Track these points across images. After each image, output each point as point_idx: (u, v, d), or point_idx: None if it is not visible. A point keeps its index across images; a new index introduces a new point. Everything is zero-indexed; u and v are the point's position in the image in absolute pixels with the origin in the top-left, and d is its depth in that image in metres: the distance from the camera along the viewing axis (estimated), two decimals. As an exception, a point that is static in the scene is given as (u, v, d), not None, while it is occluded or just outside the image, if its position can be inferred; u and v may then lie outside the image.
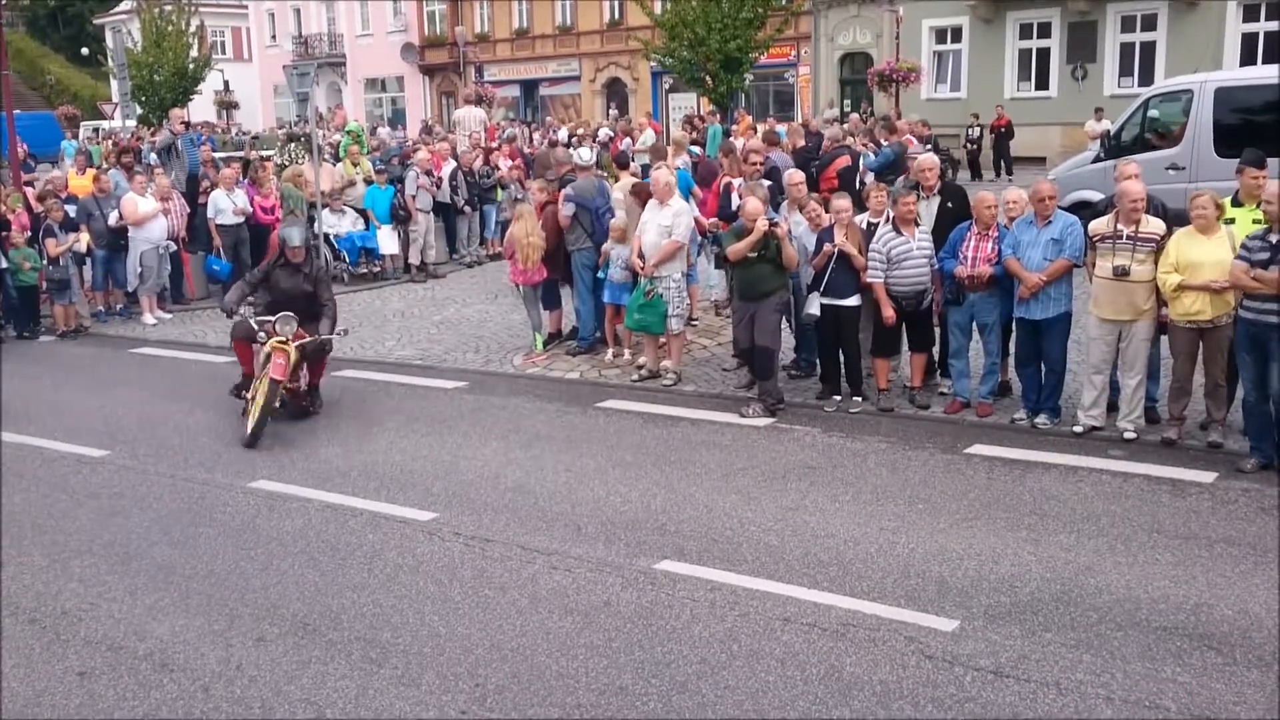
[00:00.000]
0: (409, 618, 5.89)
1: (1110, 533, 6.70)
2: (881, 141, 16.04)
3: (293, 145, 20.23)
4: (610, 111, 33.76)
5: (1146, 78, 26.28)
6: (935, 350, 9.71)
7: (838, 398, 9.50)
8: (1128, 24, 27.93)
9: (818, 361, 9.99)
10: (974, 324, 8.98)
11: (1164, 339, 8.35)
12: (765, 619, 5.73)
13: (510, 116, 35.11)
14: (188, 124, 23.21)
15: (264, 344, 9.26)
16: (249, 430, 9.05)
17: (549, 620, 5.80)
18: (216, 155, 18.79)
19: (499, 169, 18.41)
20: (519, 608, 5.95)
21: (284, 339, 9.11)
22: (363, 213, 16.77)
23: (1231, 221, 8.12)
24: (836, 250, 9.05)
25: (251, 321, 9.33)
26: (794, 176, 10.44)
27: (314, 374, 9.88)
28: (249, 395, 9.40)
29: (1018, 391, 9.08)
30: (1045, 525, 6.86)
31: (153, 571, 6.62)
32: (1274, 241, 7.34)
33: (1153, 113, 15.23)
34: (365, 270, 16.75)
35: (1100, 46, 28.25)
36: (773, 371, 9.38)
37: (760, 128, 19.53)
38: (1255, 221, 8.07)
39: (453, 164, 17.60)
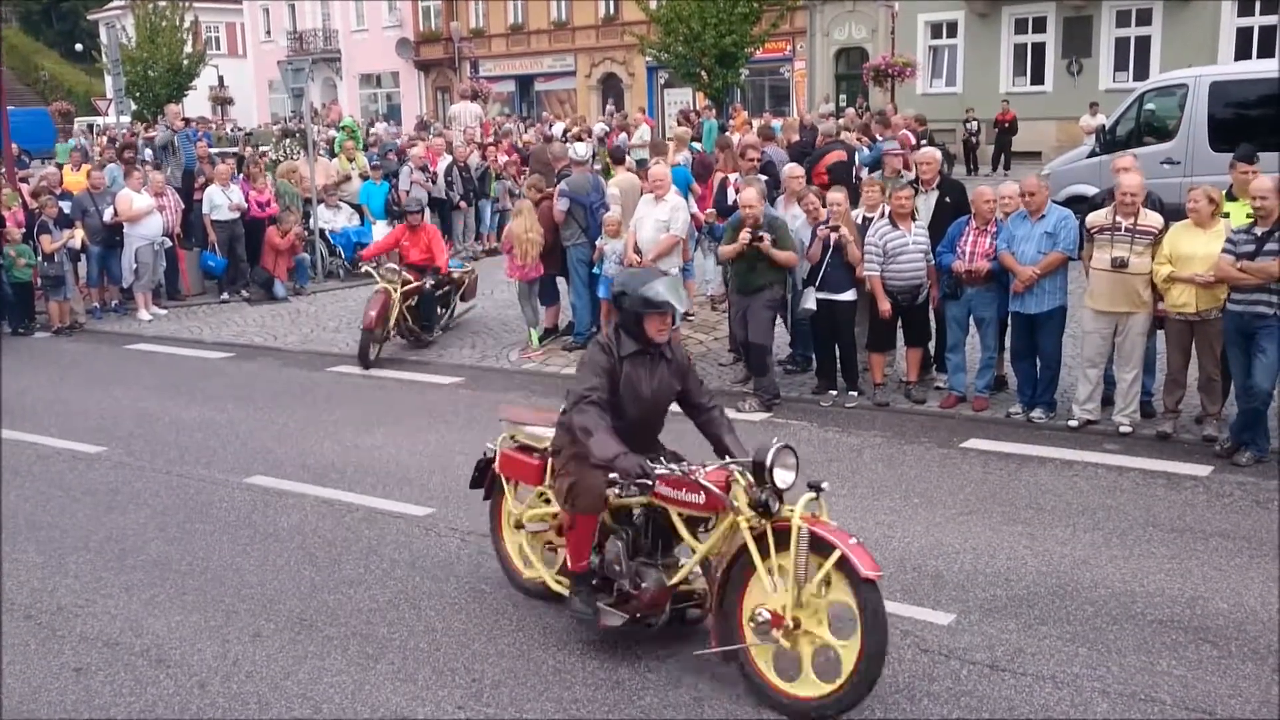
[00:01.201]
0: (405, 613, 5.89)
1: (1106, 526, 6.72)
2: (877, 137, 16.03)
3: (287, 141, 20.20)
4: (607, 107, 33.76)
5: (1142, 72, 26.35)
6: (932, 345, 9.72)
7: (833, 392, 9.51)
8: (1123, 18, 27.97)
9: (813, 356, 9.99)
10: (971, 318, 8.99)
11: (1160, 332, 8.36)
12: (762, 613, 5.72)
13: (505, 112, 35.04)
14: (188, 120, 23.19)
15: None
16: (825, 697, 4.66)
17: (545, 615, 5.79)
18: (212, 151, 18.75)
19: (496, 162, 18.42)
20: (515, 602, 5.95)
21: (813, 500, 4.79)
22: (358, 208, 16.75)
23: (1227, 216, 8.14)
24: (833, 244, 9.04)
25: (700, 473, 4.98)
26: (793, 170, 10.44)
27: None
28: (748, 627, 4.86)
29: (1013, 386, 9.09)
30: (1041, 519, 6.87)
31: (149, 567, 6.61)
32: (1259, 234, 7.36)
33: (1148, 107, 15.24)
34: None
35: (1095, 41, 28.29)
36: (768, 367, 9.37)
37: (755, 123, 19.53)
38: (1249, 216, 8.09)
39: (448, 159, 17.59)
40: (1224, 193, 8.43)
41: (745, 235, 8.95)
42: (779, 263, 9.03)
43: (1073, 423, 8.43)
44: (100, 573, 6.55)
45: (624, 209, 11.03)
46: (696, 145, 17.32)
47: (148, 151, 18.12)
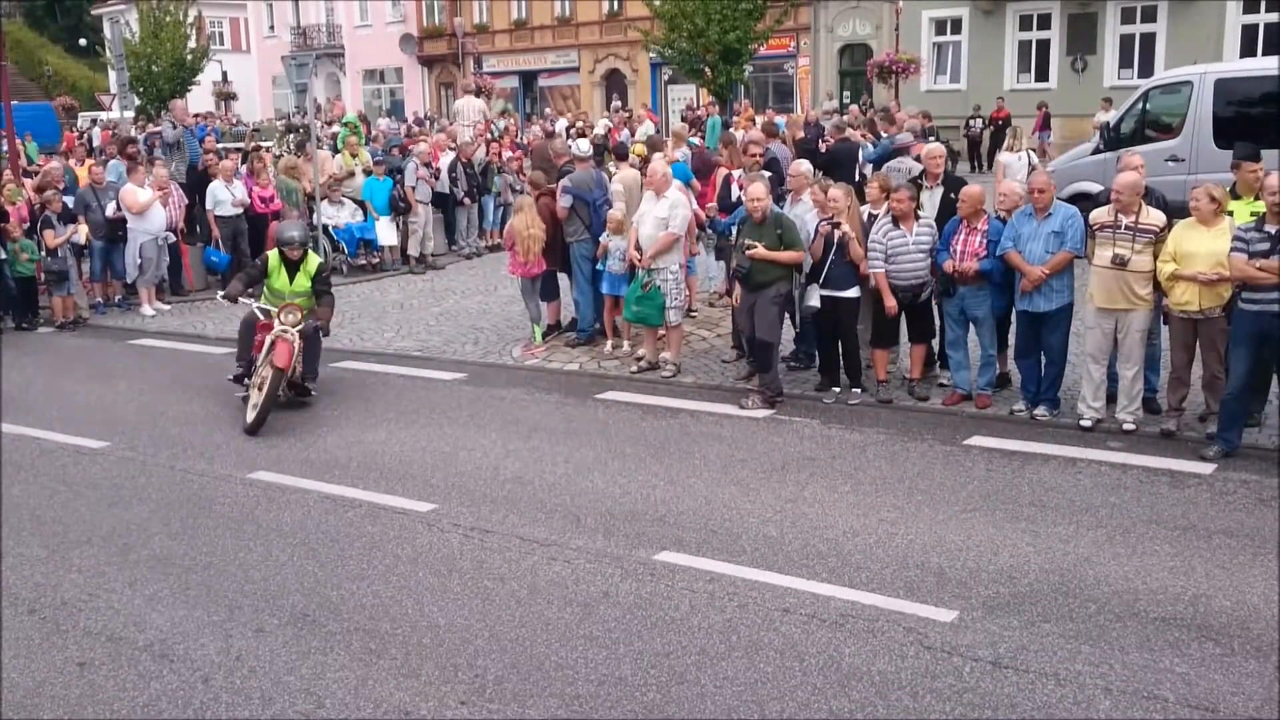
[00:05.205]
0: (408, 609, 5.89)
1: (1109, 524, 6.71)
2: (882, 133, 16.03)
3: (291, 136, 20.20)
4: (612, 103, 33.72)
5: (1146, 69, 26.29)
6: (935, 342, 9.71)
7: (837, 389, 9.50)
8: (1128, 15, 27.93)
9: (816, 353, 9.98)
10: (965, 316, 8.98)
11: (1166, 329, 8.36)
12: (764, 610, 5.74)
13: (506, 108, 35.00)
14: (197, 116, 23.19)
15: None
16: None
17: (548, 611, 5.80)
18: (219, 146, 18.76)
19: (499, 157, 18.42)
20: (518, 599, 5.96)
21: None
22: (361, 204, 16.76)
23: (1230, 214, 8.13)
24: (837, 240, 9.03)
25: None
26: (797, 167, 10.43)
27: None
28: None
29: (1017, 383, 9.08)
30: (1044, 516, 6.86)
31: (152, 562, 6.63)
32: (1273, 232, 7.33)
33: (1152, 104, 15.21)
34: (364, 262, 16.76)
35: (1100, 38, 28.25)
36: (772, 364, 9.36)
37: (759, 119, 19.50)
38: (1254, 214, 8.08)
39: (451, 155, 17.58)
40: (1228, 190, 8.42)
41: (742, 260, 9.03)
42: (784, 263, 9.02)
43: (1084, 422, 8.36)
44: (103, 567, 6.56)
45: (627, 205, 11.02)
46: (695, 140, 17.30)
47: (155, 150, 18.12)
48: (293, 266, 9.77)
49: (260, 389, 9.17)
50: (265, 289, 9.90)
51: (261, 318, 9.55)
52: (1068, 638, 5.36)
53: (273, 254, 9.89)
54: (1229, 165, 9.02)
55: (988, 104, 27.58)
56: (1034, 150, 16.63)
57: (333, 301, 10.06)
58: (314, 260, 9.96)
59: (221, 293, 9.88)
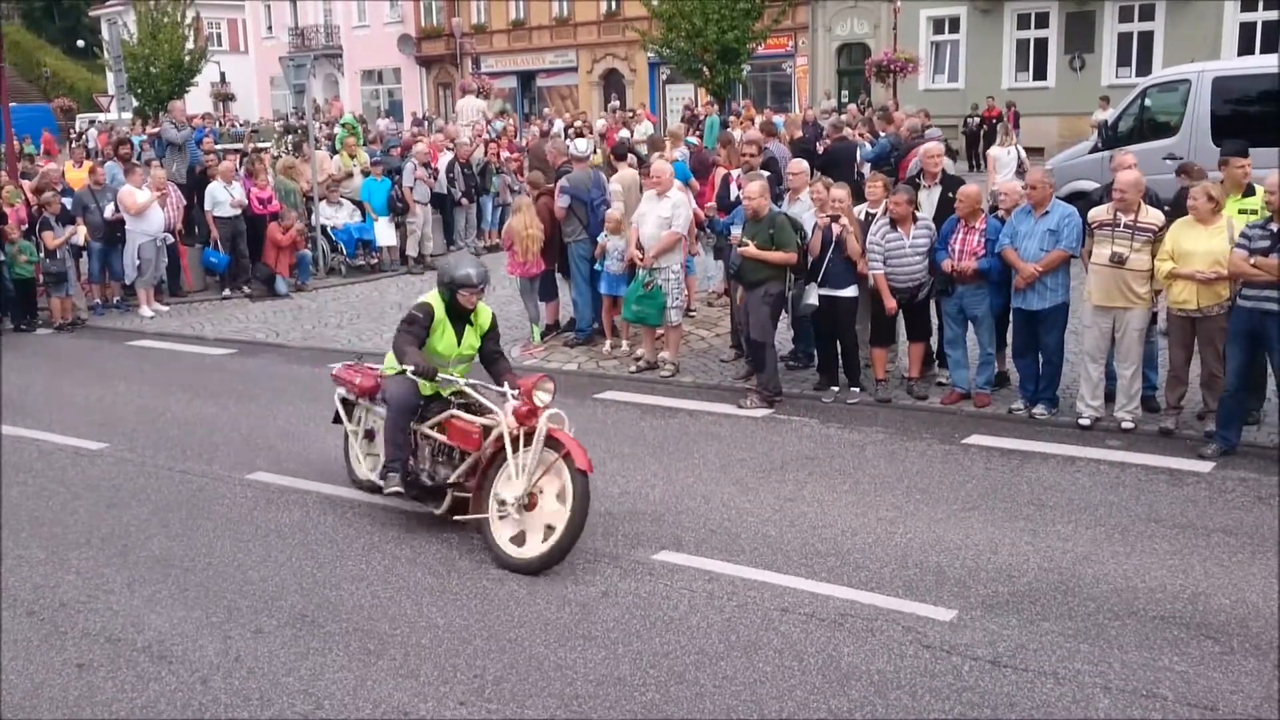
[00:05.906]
0: (407, 609, 5.89)
1: (1108, 522, 6.71)
2: (879, 132, 16.03)
3: (289, 137, 20.21)
4: (611, 103, 33.72)
5: (1144, 68, 26.33)
6: (934, 340, 9.71)
7: (835, 388, 9.50)
8: (1125, 14, 27.97)
9: (815, 352, 9.98)
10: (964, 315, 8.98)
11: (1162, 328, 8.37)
12: (763, 609, 5.73)
13: (504, 109, 34.98)
14: (200, 116, 23.20)
15: None
16: None
17: (547, 611, 5.80)
18: (218, 147, 18.76)
19: (498, 157, 18.42)
20: (517, 598, 5.96)
21: None
22: (359, 205, 16.76)
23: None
24: (834, 239, 9.03)
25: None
26: (795, 166, 10.43)
27: None
28: None
29: (1015, 382, 9.09)
30: (1043, 515, 6.86)
31: (151, 564, 6.62)
32: (1275, 230, 7.34)
33: (1150, 103, 15.21)
34: (363, 262, 16.76)
35: (1098, 37, 28.28)
36: (766, 363, 9.35)
37: (757, 119, 19.51)
38: (1241, 211, 8.12)
39: (449, 155, 17.58)
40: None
41: (734, 257, 9.12)
42: (773, 263, 9.02)
43: (1083, 421, 8.37)
44: (102, 569, 6.56)
45: (625, 205, 11.02)
46: (693, 140, 17.31)
47: (151, 150, 18.13)
48: (461, 319, 6.93)
49: (529, 508, 6.31)
50: None
51: (493, 407, 6.61)
52: (1067, 636, 5.36)
53: (434, 300, 6.86)
54: (1217, 163, 9.03)
55: (986, 103, 27.63)
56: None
57: (510, 367, 7.10)
58: (486, 312, 7.06)
59: (411, 368, 6.59)
